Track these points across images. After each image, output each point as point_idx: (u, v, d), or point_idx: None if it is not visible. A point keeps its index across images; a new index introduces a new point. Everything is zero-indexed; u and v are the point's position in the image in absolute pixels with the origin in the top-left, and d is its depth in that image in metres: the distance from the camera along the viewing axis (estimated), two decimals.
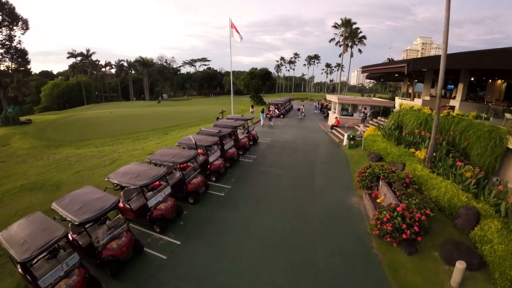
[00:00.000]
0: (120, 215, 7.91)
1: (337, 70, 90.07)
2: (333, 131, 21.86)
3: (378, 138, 15.94)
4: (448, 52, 10.38)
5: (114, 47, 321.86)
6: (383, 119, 21.00)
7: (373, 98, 26.67)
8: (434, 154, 11.69)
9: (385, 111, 22.70)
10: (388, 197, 9.57)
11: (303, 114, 30.69)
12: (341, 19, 39.73)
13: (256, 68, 52.15)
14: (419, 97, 23.77)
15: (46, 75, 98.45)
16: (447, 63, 10.58)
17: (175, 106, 52.67)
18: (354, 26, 40.13)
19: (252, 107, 33.17)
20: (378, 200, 10.25)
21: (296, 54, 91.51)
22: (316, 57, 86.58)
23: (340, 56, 44.11)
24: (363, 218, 9.47)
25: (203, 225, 9.09)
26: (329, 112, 30.11)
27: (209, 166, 11.83)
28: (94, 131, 26.90)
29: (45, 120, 38.23)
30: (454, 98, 20.53)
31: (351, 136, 17.00)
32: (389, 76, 30.76)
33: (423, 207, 8.29)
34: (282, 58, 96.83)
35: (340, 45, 42.87)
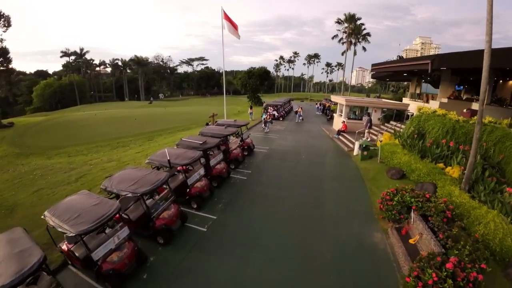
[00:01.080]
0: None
1: (338, 70, 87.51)
2: (340, 137, 19.22)
3: (397, 148, 13.27)
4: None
5: (114, 47, 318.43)
6: (398, 124, 18.36)
7: (384, 100, 23.98)
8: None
9: (398, 115, 20.05)
10: (426, 238, 6.94)
11: (300, 117, 26.96)
12: (345, 14, 37.11)
13: (255, 68, 49.52)
14: (433, 98, 21.14)
15: (40, 75, 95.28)
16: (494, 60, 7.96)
17: (168, 106, 49.88)
18: (358, 22, 37.48)
19: (251, 108, 30.50)
20: (411, 241, 7.56)
21: (295, 53, 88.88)
22: (316, 56, 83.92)
23: (343, 54, 41.45)
24: (392, 268, 6.85)
25: (175, 281, 6.40)
26: (333, 114, 27.45)
27: (188, 190, 9.12)
28: (72, 136, 24.17)
29: (27, 123, 35.46)
30: (476, 101, 18.00)
31: (364, 146, 14.32)
32: (396, 75, 28.18)
33: (476, 257, 5.75)
34: (281, 57, 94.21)
35: (343, 43, 40.24)
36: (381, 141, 14.27)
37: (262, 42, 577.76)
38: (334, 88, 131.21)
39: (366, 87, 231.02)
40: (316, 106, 37.51)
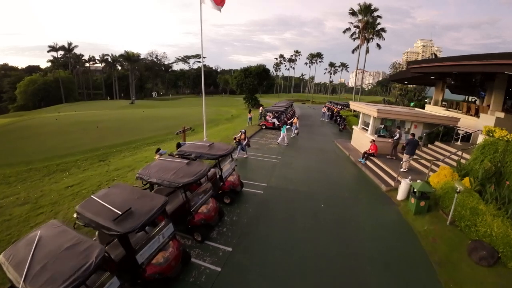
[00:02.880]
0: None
1: (341, 70, 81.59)
2: (368, 162, 13.37)
3: (475, 201, 7.53)
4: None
5: (113, 43, 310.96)
6: (449, 148, 12.51)
7: (425, 111, 17.90)
8: None
9: (446, 133, 14.19)
10: None
11: (296, 131, 19.38)
12: (359, 5, 31.10)
13: (251, 66, 43.60)
14: (484, 111, 15.15)
15: (31, 70, 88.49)
16: None
17: (152, 108, 43.53)
18: (375, 14, 31.62)
19: (250, 112, 24.63)
20: None
21: (297, 51, 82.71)
22: (319, 55, 77.80)
23: (353, 52, 35.45)
24: None
25: None
26: (346, 124, 21.69)
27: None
28: (12, 152, 18.14)
29: None
30: None
31: (420, 193, 8.54)
32: (418, 78, 22.37)
33: None
34: (281, 56, 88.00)
35: (354, 38, 34.33)
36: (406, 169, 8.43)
37: (261, 41, 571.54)
38: (334, 89, 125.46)
39: (366, 89, 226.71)
40: (323, 111, 31.52)
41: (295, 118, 20.35)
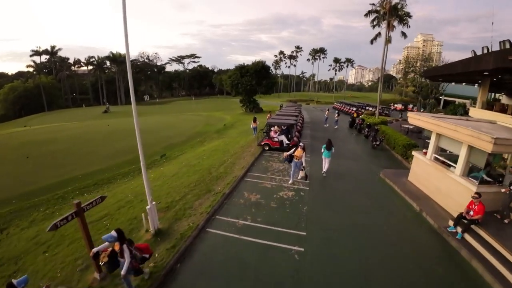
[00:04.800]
0: None
1: (347, 66, 74.43)
2: (468, 236, 6.54)
3: None
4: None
5: (111, 47, 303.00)
6: None
7: None
8: None
9: None
10: None
11: (303, 171, 10.05)
12: None
13: (245, 63, 36.83)
14: None
15: (21, 76, 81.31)
16: None
17: (129, 117, 36.26)
18: None
19: (254, 120, 18.01)
20: None
21: (298, 47, 75.46)
22: (322, 50, 70.58)
23: (372, 42, 28.40)
24: None
25: None
26: (380, 139, 15.08)
27: None
28: None
29: None
30: None
31: None
32: (462, 75, 15.68)
33: None
34: (281, 52, 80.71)
35: (374, 25, 27.42)
36: None
37: (259, 41, 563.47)
38: (335, 87, 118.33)
39: (366, 85, 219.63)
40: (336, 118, 23.47)
41: (299, 149, 9.84)
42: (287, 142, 14.31)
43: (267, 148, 14.63)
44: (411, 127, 20.49)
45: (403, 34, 28.04)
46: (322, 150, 11.16)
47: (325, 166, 11.22)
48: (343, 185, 10.37)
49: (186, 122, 27.05)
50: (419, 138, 17.57)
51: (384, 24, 27.77)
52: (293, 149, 10.13)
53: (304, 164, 10.01)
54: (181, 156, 14.82)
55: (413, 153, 10.86)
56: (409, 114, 10.77)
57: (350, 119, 23.32)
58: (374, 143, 15.96)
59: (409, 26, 28.40)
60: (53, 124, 31.62)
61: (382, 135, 16.20)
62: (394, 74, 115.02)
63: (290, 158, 10.05)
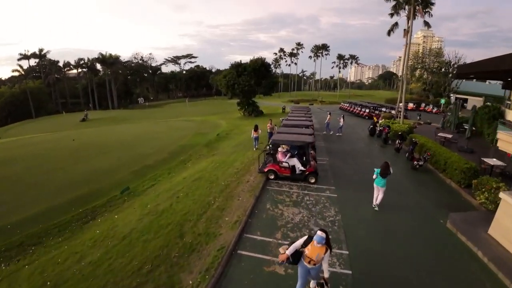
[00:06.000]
0: None
1: (351, 63, 69.83)
2: None
3: None
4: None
5: (109, 50, 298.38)
6: None
7: None
8: None
9: None
10: None
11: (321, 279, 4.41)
12: None
13: (241, 61, 32.62)
14: None
15: (15, 81, 77.05)
16: None
17: (108, 125, 31.76)
18: None
19: (256, 129, 14.05)
20: None
21: (299, 44, 70.88)
22: (324, 47, 65.98)
23: (389, 34, 24.03)
24: None
25: None
26: (424, 158, 10.83)
27: None
28: None
29: None
30: None
31: None
32: (493, 73, 11.57)
33: None
34: (282, 50, 76.10)
35: (392, 13, 23.05)
36: None
37: (257, 40, 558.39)
38: (335, 85, 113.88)
39: (366, 83, 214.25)
40: (341, 121, 18.88)
41: (317, 244, 4.06)
42: (302, 168, 9.94)
43: (272, 177, 10.23)
44: (449, 136, 16.14)
45: (426, 24, 23.61)
46: (374, 176, 7.67)
47: (378, 198, 7.85)
48: (396, 243, 6.01)
49: (172, 131, 22.69)
50: (460, 150, 13.45)
51: (403, 13, 23.52)
52: (302, 239, 4.40)
53: (326, 275, 4.35)
54: (150, 190, 10.54)
55: (501, 195, 6.48)
56: (501, 136, 6.39)
57: (371, 125, 18.86)
58: (416, 163, 11.57)
59: (432, 16, 24.02)
60: (25, 136, 27.32)
61: (427, 152, 11.79)
62: (394, 71, 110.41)
63: (296, 258, 4.38)
